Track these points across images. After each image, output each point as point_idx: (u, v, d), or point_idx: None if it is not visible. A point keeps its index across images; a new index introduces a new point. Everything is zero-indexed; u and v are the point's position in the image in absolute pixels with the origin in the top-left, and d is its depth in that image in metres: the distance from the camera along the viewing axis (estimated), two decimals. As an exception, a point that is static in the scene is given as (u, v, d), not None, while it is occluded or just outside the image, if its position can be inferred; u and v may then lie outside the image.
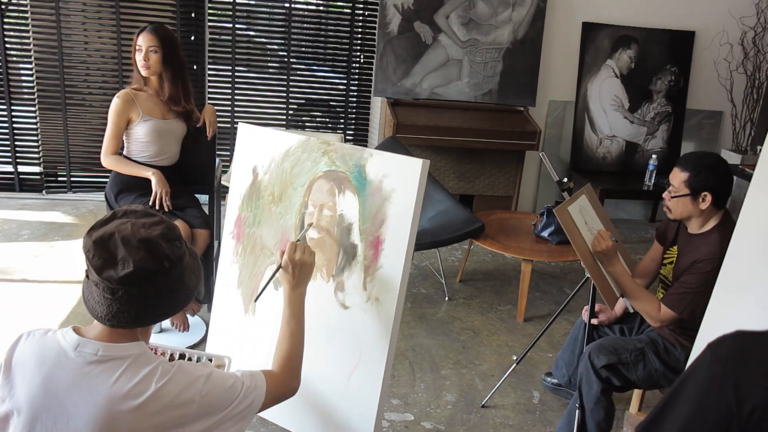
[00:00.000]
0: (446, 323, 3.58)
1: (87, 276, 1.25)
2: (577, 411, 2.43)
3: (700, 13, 5.16)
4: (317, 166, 1.73)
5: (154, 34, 2.83)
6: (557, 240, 3.71)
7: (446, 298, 3.86)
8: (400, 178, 1.60)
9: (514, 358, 2.95)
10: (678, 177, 2.26)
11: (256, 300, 1.58)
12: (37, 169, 4.94)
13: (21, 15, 4.61)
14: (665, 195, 2.33)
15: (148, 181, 2.89)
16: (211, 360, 1.65)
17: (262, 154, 1.83)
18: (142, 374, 1.23)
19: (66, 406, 1.21)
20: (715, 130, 5.53)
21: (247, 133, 1.87)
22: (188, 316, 3.20)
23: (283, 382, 1.46)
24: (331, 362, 1.70)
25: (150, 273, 1.22)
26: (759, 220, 1.85)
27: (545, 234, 3.76)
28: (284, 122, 5.12)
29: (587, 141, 5.23)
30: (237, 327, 1.90)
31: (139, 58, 2.87)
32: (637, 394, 2.58)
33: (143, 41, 2.84)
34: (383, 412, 1.70)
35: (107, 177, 3.05)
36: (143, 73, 2.88)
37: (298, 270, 1.54)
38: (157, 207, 2.86)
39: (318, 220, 1.73)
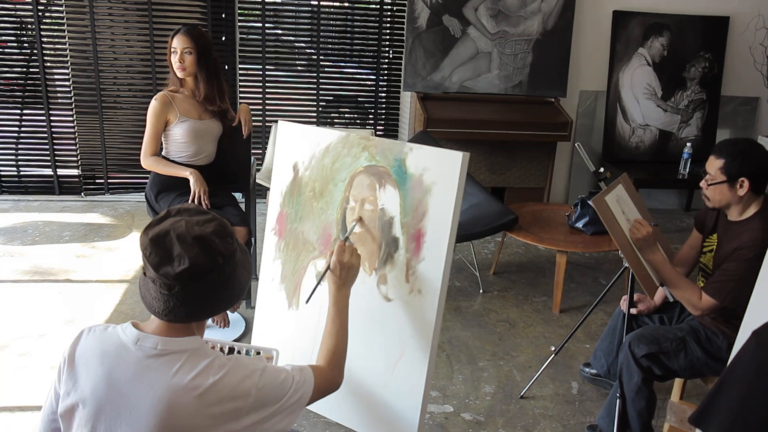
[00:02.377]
0: (482, 315, 3.59)
1: (144, 273, 1.30)
2: (617, 400, 2.43)
3: (735, -3, 5.08)
4: (357, 161, 1.76)
5: (188, 36, 2.88)
6: (592, 231, 3.69)
7: (480, 291, 3.87)
8: (441, 171, 1.62)
9: (552, 349, 2.96)
10: (714, 164, 2.25)
11: (307, 302, 1.63)
12: (75, 171, 5.06)
13: (57, 21, 4.72)
14: (702, 184, 2.31)
15: (187, 180, 2.95)
16: (259, 353, 1.70)
17: (302, 150, 1.87)
18: (200, 367, 1.27)
19: (128, 397, 1.26)
20: (752, 116, 5.43)
21: (287, 131, 1.91)
22: (228, 312, 3.27)
23: (330, 377, 1.49)
24: (375, 354, 1.73)
25: (204, 269, 1.26)
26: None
27: (579, 225, 3.74)
28: (314, 119, 5.17)
29: (620, 130, 5.18)
30: (281, 321, 1.94)
31: (174, 59, 2.92)
32: (678, 383, 2.56)
33: (178, 43, 2.90)
34: (428, 402, 1.72)
35: (143, 178, 3.13)
36: (179, 74, 2.94)
37: (345, 272, 1.58)
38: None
39: (359, 214, 1.76)
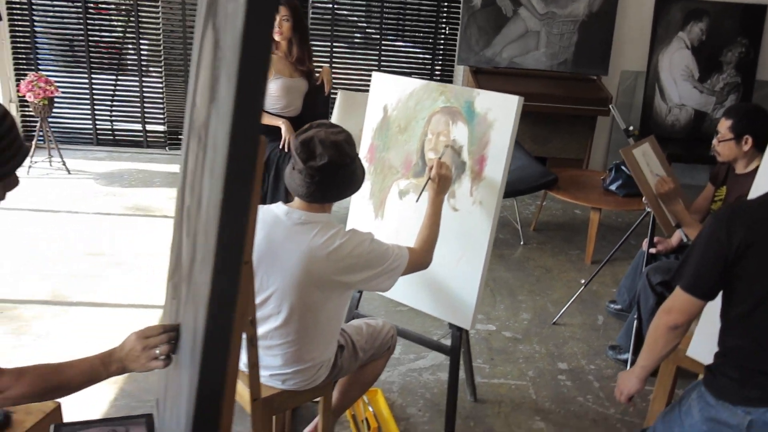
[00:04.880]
0: (522, 262, 4.09)
1: (293, 167, 1.84)
2: (635, 321, 2.92)
3: (773, -14, 5.39)
4: (435, 103, 2.27)
5: (287, 6, 3.43)
6: (623, 193, 4.13)
7: (521, 243, 4.37)
8: (501, 110, 2.13)
9: (582, 282, 3.45)
10: (724, 124, 2.70)
11: (417, 201, 2.19)
12: (161, 128, 5.69)
13: (153, -7, 5.33)
14: (714, 141, 2.77)
15: (278, 128, 3.51)
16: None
17: (391, 95, 2.39)
18: (330, 233, 1.82)
19: (280, 253, 1.81)
20: (785, 100, 5.75)
21: (379, 80, 2.44)
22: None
23: (421, 256, 2.02)
24: (444, 252, 2.25)
25: (338, 165, 1.80)
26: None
27: (613, 187, 4.19)
28: (375, 89, 5.69)
29: (657, 109, 5.57)
30: (368, 229, 2.47)
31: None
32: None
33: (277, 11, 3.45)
34: (483, 289, 2.25)
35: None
36: (276, 38, 3.48)
37: (443, 182, 2.10)
38: (285, 150, 3.49)
39: (435, 144, 2.28)
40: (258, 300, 1.85)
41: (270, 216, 1.86)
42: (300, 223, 1.83)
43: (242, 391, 1.93)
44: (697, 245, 1.62)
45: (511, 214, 4.74)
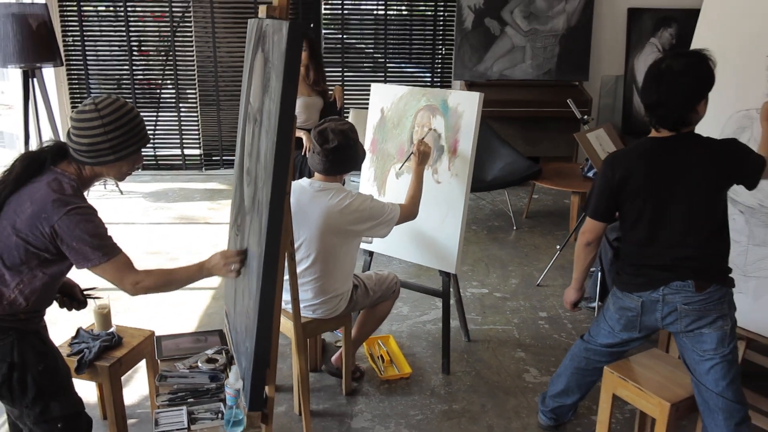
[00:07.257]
0: (514, 242, 4.76)
1: (312, 151, 2.56)
2: (599, 273, 3.57)
3: (731, -7, 6.04)
4: (419, 103, 2.98)
5: (304, 39, 4.18)
6: (600, 178, 4.79)
7: (514, 228, 5.03)
8: (468, 105, 2.83)
9: (558, 247, 4.10)
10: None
11: (399, 168, 2.90)
12: (197, 151, 6.48)
13: (186, 34, 6.15)
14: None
15: (299, 138, 4.24)
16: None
17: (386, 99, 3.11)
18: (342, 195, 2.53)
19: (306, 212, 2.52)
20: (754, 93, 6.35)
21: (378, 88, 3.16)
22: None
23: (408, 209, 2.71)
24: (430, 214, 2.94)
25: (344, 147, 2.51)
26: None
27: (590, 174, 4.84)
28: (383, 106, 6.44)
29: (636, 108, 6.23)
30: (374, 205, 3.17)
31: (291, 55, 4.23)
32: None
33: (294, 44, 4.21)
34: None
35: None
36: (295, 65, 4.24)
37: (422, 156, 2.81)
38: (306, 155, 4.21)
39: (421, 134, 2.99)
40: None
41: (298, 187, 2.58)
42: (320, 190, 2.54)
43: (285, 323, 2.61)
44: (595, 183, 2.30)
45: (505, 205, 5.41)
